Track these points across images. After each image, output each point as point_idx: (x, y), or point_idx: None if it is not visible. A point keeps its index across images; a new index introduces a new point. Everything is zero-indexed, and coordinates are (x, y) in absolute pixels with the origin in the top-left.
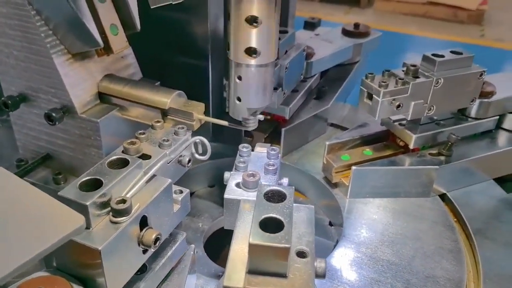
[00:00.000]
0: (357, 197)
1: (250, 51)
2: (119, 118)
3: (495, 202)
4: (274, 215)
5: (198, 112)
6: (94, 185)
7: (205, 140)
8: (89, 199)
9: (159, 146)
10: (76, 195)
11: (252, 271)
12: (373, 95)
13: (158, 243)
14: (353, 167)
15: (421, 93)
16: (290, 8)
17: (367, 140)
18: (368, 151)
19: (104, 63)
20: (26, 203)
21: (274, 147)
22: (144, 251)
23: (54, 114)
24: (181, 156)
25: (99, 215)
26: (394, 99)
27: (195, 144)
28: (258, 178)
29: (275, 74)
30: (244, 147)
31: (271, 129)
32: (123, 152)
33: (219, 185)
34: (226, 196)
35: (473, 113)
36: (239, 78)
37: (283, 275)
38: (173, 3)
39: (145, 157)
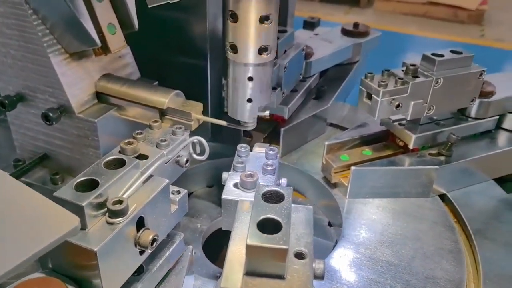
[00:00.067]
0: (357, 197)
1: (262, 50)
2: (117, 118)
3: (495, 202)
4: (272, 216)
5: (196, 112)
6: (90, 185)
7: (203, 140)
8: (85, 200)
9: (156, 146)
10: (72, 196)
11: (249, 273)
12: (373, 95)
13: (155, 244)
14: (353, 167)
15: (420, 92)
16: (289, 7)
17: (366, 140)
18: (367, 151)
19: (102, 63)
20: (20, 203)
21: (272, 147)
22: (141, 252)
23: (51, 114)
24: (178, 156)
25: (95, 216)
26: (393, 99)
27: (193, 144)
28: (256, 178)
29: (274, 74)
30: (242, 147)
31: (270, 129)
32: (120, 152)
33: (218, 185)
34: (223, 196)
35: (473, 113)
36: (250, 79)
37: (281, 277)
38: (171, 2)
39: (142, 157)
